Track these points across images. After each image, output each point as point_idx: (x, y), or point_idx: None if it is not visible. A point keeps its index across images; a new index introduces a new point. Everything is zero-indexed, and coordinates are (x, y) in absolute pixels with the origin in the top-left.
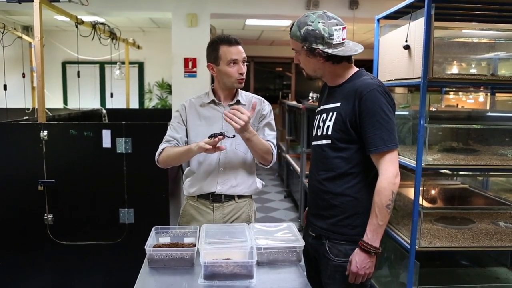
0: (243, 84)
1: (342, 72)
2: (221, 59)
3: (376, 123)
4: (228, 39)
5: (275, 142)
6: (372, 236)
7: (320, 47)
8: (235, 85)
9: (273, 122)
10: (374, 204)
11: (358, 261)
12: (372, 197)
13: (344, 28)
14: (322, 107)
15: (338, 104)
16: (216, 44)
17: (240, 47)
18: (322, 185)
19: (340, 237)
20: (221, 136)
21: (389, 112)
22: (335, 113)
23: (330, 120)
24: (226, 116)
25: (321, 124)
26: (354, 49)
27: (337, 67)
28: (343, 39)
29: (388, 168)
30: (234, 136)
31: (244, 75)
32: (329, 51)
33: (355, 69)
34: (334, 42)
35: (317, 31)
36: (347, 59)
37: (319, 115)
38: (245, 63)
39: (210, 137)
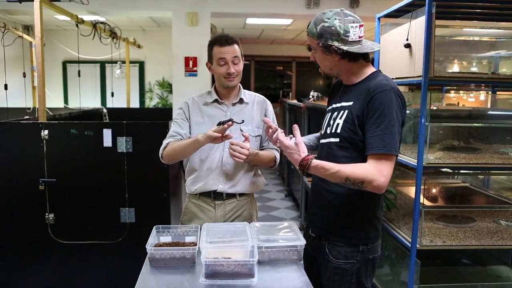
0: (234, 81)
1: (359, 70)
2: (213, 58)
3: (381, 124)
4: (221, 39)
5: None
6: (316, 167)
7: (336, 44)
8: (225, 83)
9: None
10: (346, 169)
11: (293, 159)
12: (375, 202)
13: (361, 25)
14: (334, 105)
15: (350, 103)
16: (211, 45)
17: (231, 47)
18: (326, 183)
19: (340, 239)
20: (230, 123)
21: (397, 116)
22: (346, 111)
23: (340, 118)
24: (230, 153)
25: (331, 122)
26: (370, 47)
27: (354, 65)
28: (360, 37)
29: (383, 169)
30: (243, 121)
31: (240, 73)
32: (345, 48)
33: (373, 69)
34: (350, 39)
35: (333, 28)
36: (364, 57)
37: (330, 113)
38: (238, 63)
39: (219, 124)
